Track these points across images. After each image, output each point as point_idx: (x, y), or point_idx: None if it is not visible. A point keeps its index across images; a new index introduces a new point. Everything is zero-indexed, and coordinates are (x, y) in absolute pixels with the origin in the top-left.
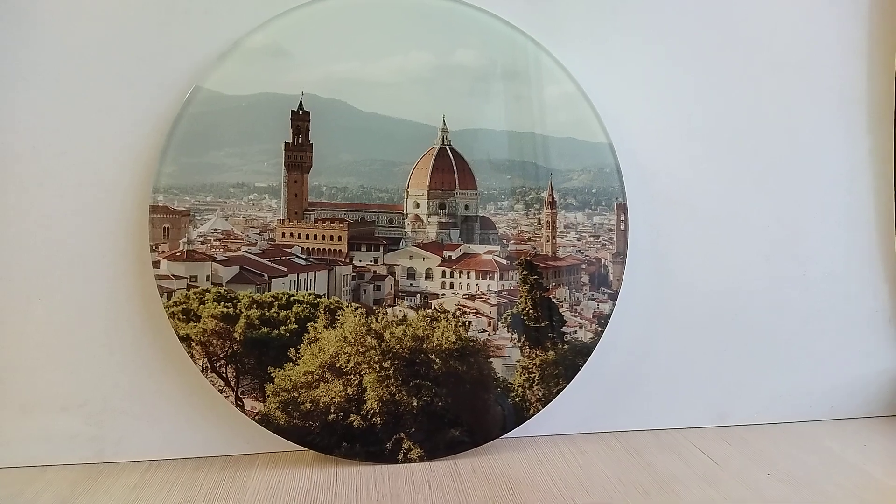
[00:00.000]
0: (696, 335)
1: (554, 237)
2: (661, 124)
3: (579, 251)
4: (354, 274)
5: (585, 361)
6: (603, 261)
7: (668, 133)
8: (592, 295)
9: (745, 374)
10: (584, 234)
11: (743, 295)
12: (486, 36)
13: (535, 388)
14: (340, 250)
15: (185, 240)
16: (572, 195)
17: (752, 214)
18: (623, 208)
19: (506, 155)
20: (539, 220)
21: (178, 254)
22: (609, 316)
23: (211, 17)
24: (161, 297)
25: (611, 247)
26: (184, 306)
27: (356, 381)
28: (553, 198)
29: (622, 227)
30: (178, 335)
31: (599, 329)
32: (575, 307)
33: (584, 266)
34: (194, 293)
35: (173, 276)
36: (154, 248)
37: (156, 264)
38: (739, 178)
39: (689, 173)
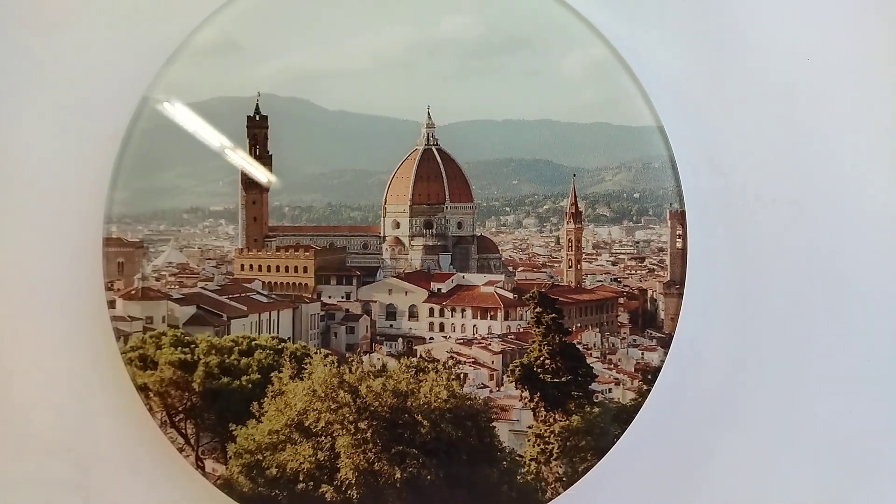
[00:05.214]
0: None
1: (579, 261)
2: (736, 94)
3: (615, 280)
4: (323, 313)
5: (624, 431)
6: (650, 293)
7: (745, 107)
8: (634, 340)
9: None
10: (621, 257)
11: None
12: None
13: (554, 463)
14: (307, 284)
15: (139, 275)
16: (605, 203)
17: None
18: (680, 218)
19: (511, 152)
20: (557, 238)
21: (133, 292)
22: (659, 369)
23: (159, 14)
24: (118, 340)
25: (661, 273)
26: (141, 351)
27: (328, 445)
28: (577, 207)
29: (678, 245)
30: (135, 384)
31: (645, 387)
32: (609, 357)
33: (621, 300)
34: (151, 337)
35: (129, 317)
36: (109, 285)
37: (112, 304)
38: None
39: (786, 162)
